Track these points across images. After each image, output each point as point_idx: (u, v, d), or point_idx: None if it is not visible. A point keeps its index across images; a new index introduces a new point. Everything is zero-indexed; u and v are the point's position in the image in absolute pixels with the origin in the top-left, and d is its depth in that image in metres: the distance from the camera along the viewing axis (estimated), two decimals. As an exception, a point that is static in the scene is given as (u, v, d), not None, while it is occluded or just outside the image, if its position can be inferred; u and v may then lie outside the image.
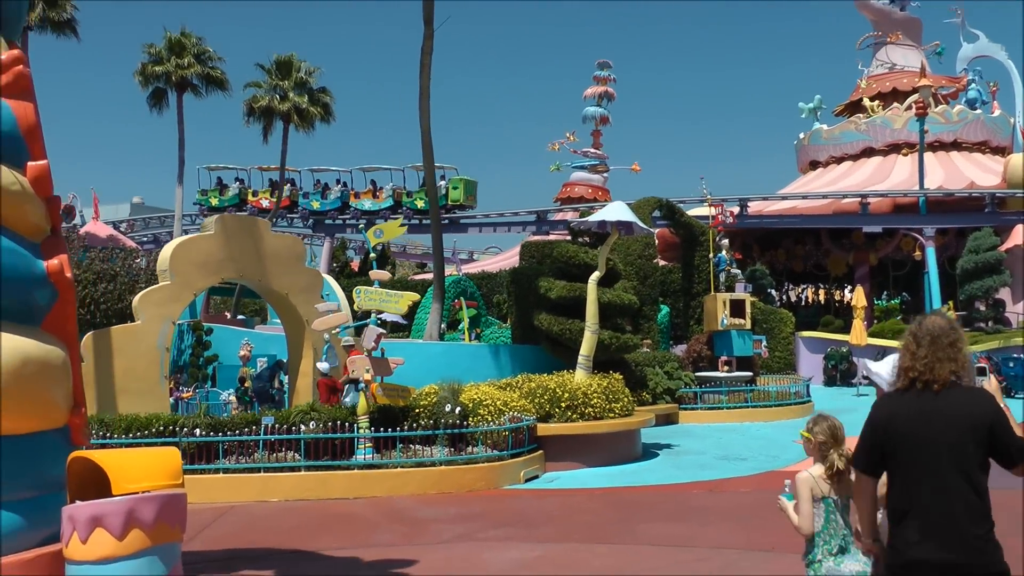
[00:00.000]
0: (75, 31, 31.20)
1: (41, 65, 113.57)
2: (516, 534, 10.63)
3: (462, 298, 30.46)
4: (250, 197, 50.17)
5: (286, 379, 18.67)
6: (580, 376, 16.70)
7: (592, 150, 53.13)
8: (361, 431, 13.51)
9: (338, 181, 49.23)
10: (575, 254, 20.89)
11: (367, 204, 47.79)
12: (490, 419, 14.41)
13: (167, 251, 16.32)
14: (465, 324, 29.77)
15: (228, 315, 33.66)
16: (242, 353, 22.15)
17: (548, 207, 47.71)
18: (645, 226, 17.25)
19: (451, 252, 44.79)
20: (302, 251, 18.15)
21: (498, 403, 14.80)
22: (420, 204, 45.33)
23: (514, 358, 22.19)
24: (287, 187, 46.53)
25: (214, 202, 49.97)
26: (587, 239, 21.55)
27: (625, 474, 14.96)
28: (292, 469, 13.06)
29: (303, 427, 13.28)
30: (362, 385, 13.69)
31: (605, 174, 53.76)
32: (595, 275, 17.03)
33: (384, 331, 14.14)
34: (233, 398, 20.01)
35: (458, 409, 14.18)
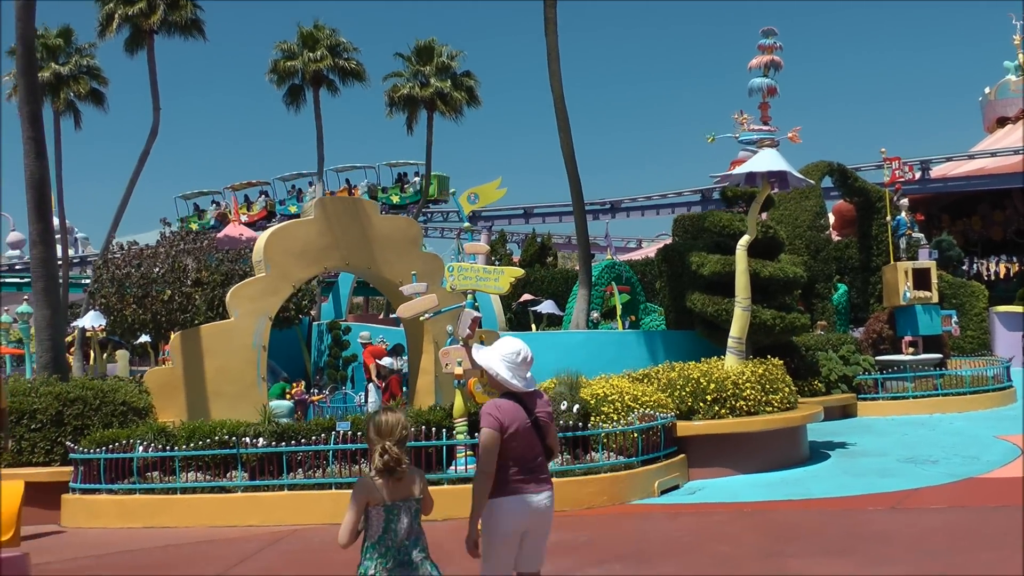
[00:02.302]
0: (201, 31, 30.44)
1: (173, 68, 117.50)
2: (623, 572, 7.90)
3: (614, 284, 27.63)
4: (229, 216, 51.29)
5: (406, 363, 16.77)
6: (731, 362, 13.71)
7: (760, 125, 48.91)
8: (459, 437, 11.08)
9: (311, 184, 49.38)
10: (729, 223, 17.85)
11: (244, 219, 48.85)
12: (616, 417, 11.67)
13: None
14: (618, 311, 26.96)
15: (380, 315, 32.21)
16: (361, 343, 20.68)
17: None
18: (802, 177, 14.03)
19: (603, 238, 41.79)
20: (417, 233, 15.89)
21: (627, 398, 12.02)
22: (395, 199, 45.70)
23: (666, 345, 19.28)
24: (261, 198, 48.35)
25: (194, 227, 50.89)
26: (744, 206, 18.47)
27: (786, 483, 11.83)
28: (370, 485, 10.71)
29: (385, 433, 10.93)
30: (460, 382, 11.24)
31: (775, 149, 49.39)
32: (744, 239, 14.02)
33: (480, 314, 11.59)
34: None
35: (576, 407, 11.49)
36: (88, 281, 26.21)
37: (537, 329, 30.82)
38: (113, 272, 22.91)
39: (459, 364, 11.12)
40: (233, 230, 37.36)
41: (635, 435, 11.39)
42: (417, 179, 45.01)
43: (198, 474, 11.09)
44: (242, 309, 13.75)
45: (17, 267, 48.55)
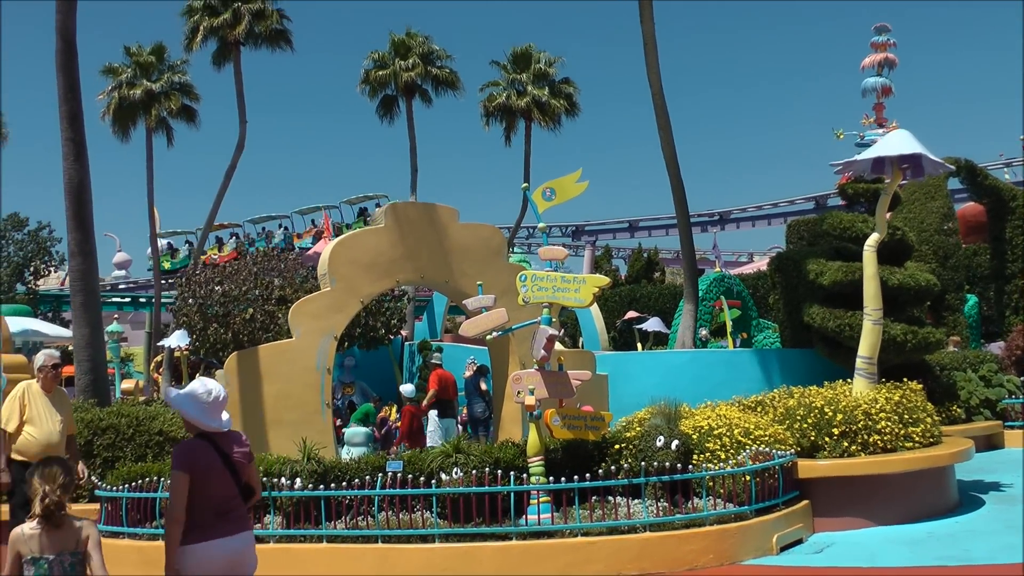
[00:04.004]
0: (289, 42, 29.34)
1: (261, 80, 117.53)
2: None
3: (723, 298, 25.27)
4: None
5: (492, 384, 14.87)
6: (860, 387, 11.37)
7: (876, 127, 45.74)
8: (533, 479, 9.09)
9: (280, 225, 50.05)
10: (850, 224, 15.48)
11: (307, 242, 48.81)
12: (724, 456, 9.51)
13: (326, 251, 12.72)
14: (728, 327, 24.60)
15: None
16: (467, 374, 18.42)
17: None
18: (940, 160, 11.56)
19: (711, 251, 39.34)
20: (500, 243, 13.88)
21: (737, 432, 9.85)
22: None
23: (781, 366, 16.90)
24: (232, 240, 48.41)
25: (166, 265, 50.71)
26: (866, 206, 16.06)
27: (936, 540, 9.40)
28: (423, 538, 8.75)
29: (443, 476, 8.99)
30: (533, 413, 9.27)
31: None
32: (872, 238, 11.69)
33: (558, 332, 9.58)
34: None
35: (675, 443, 9.38)
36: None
37: (643, 348, 28.82)
38: (194, 290, 21.76)
39: (531, 392, 9.16)
40: (323, 246, 36.46)
41: (748, 478, 9.20)
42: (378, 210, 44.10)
43: (231, 520, 9.37)
44: (304, 327, 12.07)
45: (121, 287, 48.76)
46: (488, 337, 9.91)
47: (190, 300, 21.93)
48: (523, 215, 34.13)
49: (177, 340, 21.68)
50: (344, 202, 48.13)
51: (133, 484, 9.64)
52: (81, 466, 8.45)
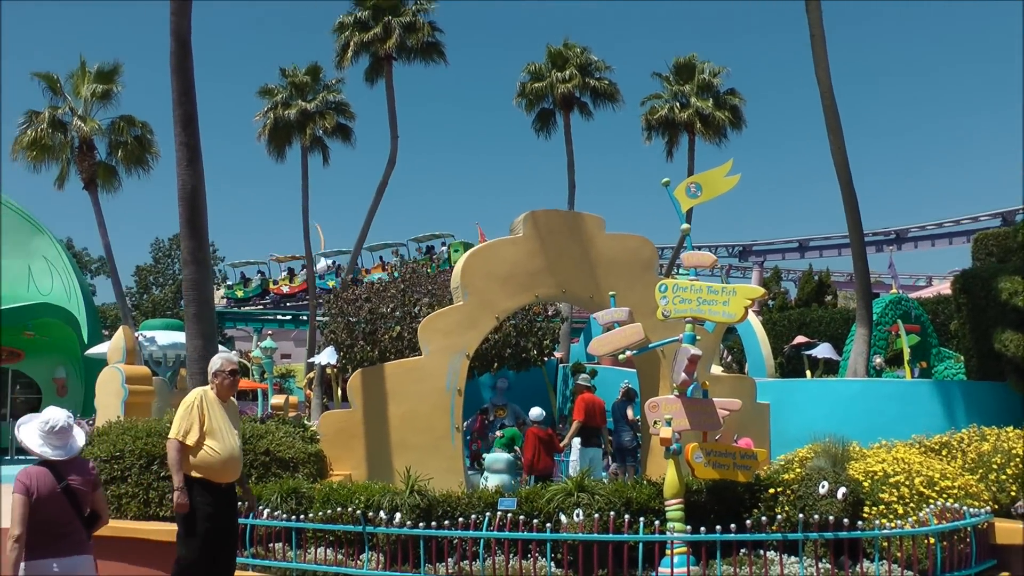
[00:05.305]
0: (442, 55, 28.71)
1: (414, 97, 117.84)
2: None
3: (900, 322, 22.87)
4: (271, 285, 52.39)
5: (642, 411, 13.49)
6: (1072, 432, 9.40)
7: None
8: (670, 526, 7.68)
9: (259, 272, 51.91)
10: (1054, 240, 13.30)
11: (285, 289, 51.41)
12: (901, 510, 7.81)
13: (460, 263, 11.75)
14: (905, 355, 22.20)
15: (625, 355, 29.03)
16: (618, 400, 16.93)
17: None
18: None
19: (887, 272, 36.32)
20: (651, 255, 12.46)
21: (918, 480, 8.12)
22: (331, 284, 45.62)
23: (967, 402, 14.63)
24: (303, 272, 48.00)
25: (240, 294, 52.39)
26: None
27: None
28: (536, 590, 7.44)
29: (563, 518, 7.69)
30: (670, 448, 7.88)
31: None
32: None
33: (700, 353, 8.12)
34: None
35: (841, 491, 7.76)
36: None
37: (812, 375, 26.69)
38: (341, 307, 21.33)
39: (667, 423, 7.77)
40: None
41: (932, 540, 7.50)
42: (444, 249, 43.69)
43: (328, 551, 8.36)
44: (434, 344, 11.10)
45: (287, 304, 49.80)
46: (620, 357, 8.55)
47: (338, 318, 21.55)
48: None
49: (327, 357, 21.24)
50: (412, 240, 48.17)
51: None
52: (248, 500, 7.37)
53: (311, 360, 25.10)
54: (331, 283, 48.94)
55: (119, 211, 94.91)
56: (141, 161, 28.08)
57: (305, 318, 36.59)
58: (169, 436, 6.77)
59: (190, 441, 6.67)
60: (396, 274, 22.99)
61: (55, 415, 5.54)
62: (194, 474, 6.68)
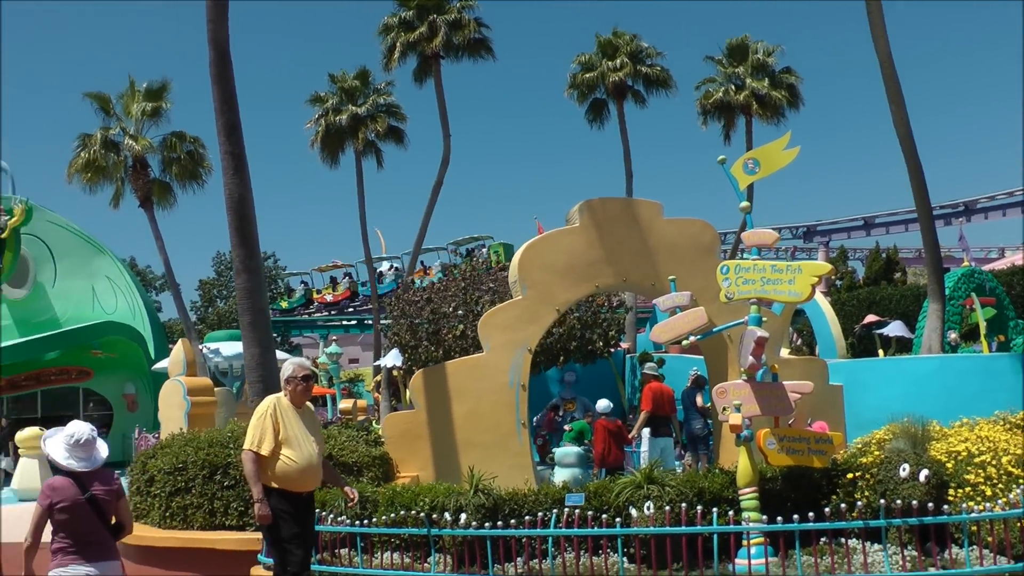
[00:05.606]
0: (490, 50, 28.50)
1: (464, 93, 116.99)
2: None
3: (974, 295, 22.10)
4: (315, 295, 51.93)
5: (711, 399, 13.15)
6: None
7: None
8: (745, 516, 7.39)
9: (391, 266, 49.46)
10: None
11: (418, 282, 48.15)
12: (989, 491, 7.40)
13: (517, 256, 11.57)
14: (981, 329, 21.45)
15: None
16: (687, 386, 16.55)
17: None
18: None
19: (957, 245, 35.15)
20: (712, 240, 12.12)
21: (1006, 460, 7.68)
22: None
23: (1055, 375, 14.14)
24: (345, 280, 49.27)
25: (284, 305, 51.76)
26: None
27: None
28: (607, 588, 7.20)
29: (633, 512, 7.44)
30: (740, 435, 7.58)
31: None
32: None
33: (767, 335, 7.79)
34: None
35: (923, 473, 7.38)
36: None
37: (885, 355, 25.96)
38: (403, 308, 21.28)
39: (736, 409, 7.47)
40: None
41: (1022, 523, 7.09)
42: (485, 251, 42.76)
43: (395, 555, 8.22)
44: (494, 340, 10.95)
45: (348, 310, 49.97)
46: (684, 342, 8.27)
47: (401, 319, 21.52)
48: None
49: (392, 360, 21.24)
50: (451, 243, 47.56)
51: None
52: (349, 490, 7.05)
53: (377, 363, 25.15)
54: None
55: (177, 227, 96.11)
56: (195, 176, 28.23)
57: (370, 322, 36.75)
58: (243, 447, 6.60)
59: (264, 451, 6.47)
60: (440, 275, 23.00)
61: (79, 428, 5.81)
62: (273, 484, 6.51)
